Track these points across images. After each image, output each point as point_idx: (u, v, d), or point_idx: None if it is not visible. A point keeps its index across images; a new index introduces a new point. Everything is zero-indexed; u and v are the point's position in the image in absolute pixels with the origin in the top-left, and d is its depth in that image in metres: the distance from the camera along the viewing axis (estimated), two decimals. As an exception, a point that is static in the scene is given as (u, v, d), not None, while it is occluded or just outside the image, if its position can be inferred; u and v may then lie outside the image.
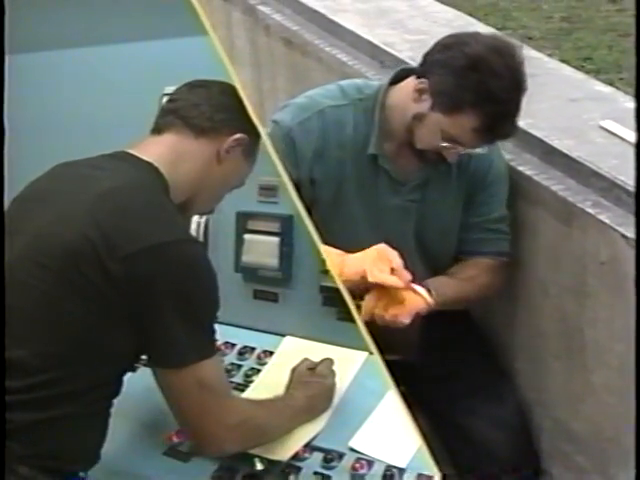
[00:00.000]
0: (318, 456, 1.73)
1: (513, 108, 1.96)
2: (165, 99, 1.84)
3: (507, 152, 2.16)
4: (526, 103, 1.97)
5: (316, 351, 1.91)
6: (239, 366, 2.00)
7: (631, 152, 1.94)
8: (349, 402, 1.83)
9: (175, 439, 1.79)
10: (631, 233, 1.82)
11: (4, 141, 1.69)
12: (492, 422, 2.16)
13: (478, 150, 2.03)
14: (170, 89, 1.84)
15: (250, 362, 2.01)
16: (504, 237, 2.15)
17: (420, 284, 1.96)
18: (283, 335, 2.04)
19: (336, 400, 1.83)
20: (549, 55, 3.10)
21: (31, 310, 1.60)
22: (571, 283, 2.03)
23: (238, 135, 1.75)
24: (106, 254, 1.55)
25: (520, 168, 2.14)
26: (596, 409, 2.03)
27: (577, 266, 2.00)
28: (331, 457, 1.72)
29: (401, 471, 1.68)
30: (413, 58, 2.42)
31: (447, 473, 1.72)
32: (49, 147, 2.16)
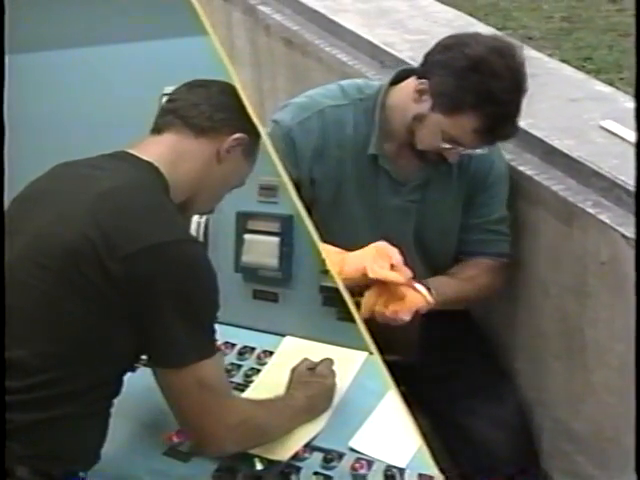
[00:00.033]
0: (318, 456, 1.73)
1: (514, 109, 1.96)
2: (165, 99, 1.84)
3: (508, 152, 2.16)
4: (526, 103, 1.97)
5: (316, 351, 1.91)
6: (239, 366, 2.00)
7: (631, 152, 1.94)
8: (349, 402, 1.83)
9: (175, 439, 1.79)
10: (631, 233, 1.82)
11: (4, 141, 1.69)
12: (492, 422, 2.16)
13: (479, 151, 2.03)
14: (170, 89, 1.83)
15: (250, 362, 2.01)
16: (504, 238, 2.15)
17: (420, 282, 1.96)
18: (283, 335, 2.04)
19: (336, 400, 1.83)
20: (549, 55, 3.10)
21: (31, 310, 1.60)
22: (571, 283, 2.03)
23: (238, 135, 1.75)
24: (106, 254, 1.54)
25: (521, 168, 2.14)
26: (596, 409, 2.03)
27: (577, 266, 2.00)
28: (331, 457, 1.72)
29: (401, 471, 1.68)
30: (413, 58, 2.42)
31: (447, 473, 1.71)
32: (49, 147, 2.16)
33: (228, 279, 2.02)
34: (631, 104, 2.24)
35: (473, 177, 2.13)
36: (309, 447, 1.75)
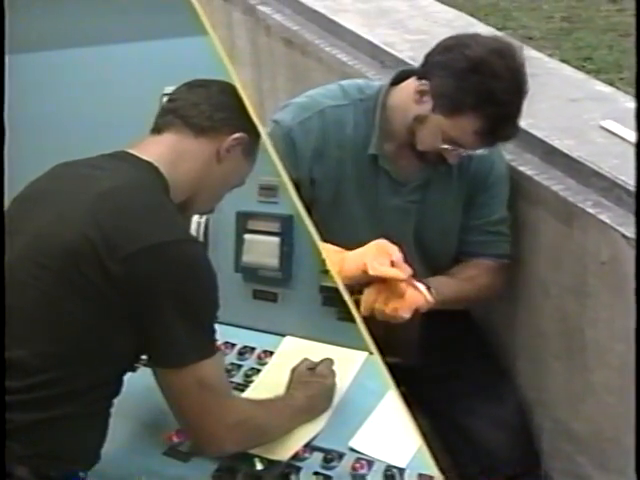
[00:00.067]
0: (318, 456, 1.73)
1: (514, 110, 1.96)
2: (165, 99, 1.84)
3: (508, 152, 2.16)
4: (527, 103, 1.97)
5: (316, 351, 1.91)
6: (239, 366, 2.00)
7: (631, 152, 1.94)
8: (349, 402, 1.83)
9: (175, 439, 1.79)
10: (631, 233, 1.82)
11: (4, 141, 1.69)
12: (492, 422, 2.16)
13: (479, 152, 2.03)
14: (170, 89, 1.83)
15: (250, 362, 2.01)
16: (505, 239, 2.15)
17: (420, 281, 1.96)
18: (283, 335, 2.04)
19: (336, 400, 1.83)
20: (549, 55, 3.10)
21: (31, 310, 1.60)
22: (572, 283, 2.03)
23: (238, 134, 1.75)
24: (106, 254, 1.54)
25: (521, 168, 2.14)
26: (596, 409, 2.03)
27: (578, 266, 2.00)
28: (331, 457, 1.72)
29: (401, 471, 1.68)
30: (413, 58, 2.42)
31: (447, 473, 1.71)
32: (49, 147, 2.16)
33: (228, 279, 2.02)
34: (631, 104, 2.24)
35: (473, 178, 2.13)
36: (309, 447, 1.75)
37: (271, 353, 2.01)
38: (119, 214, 1.59)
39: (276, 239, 2.05)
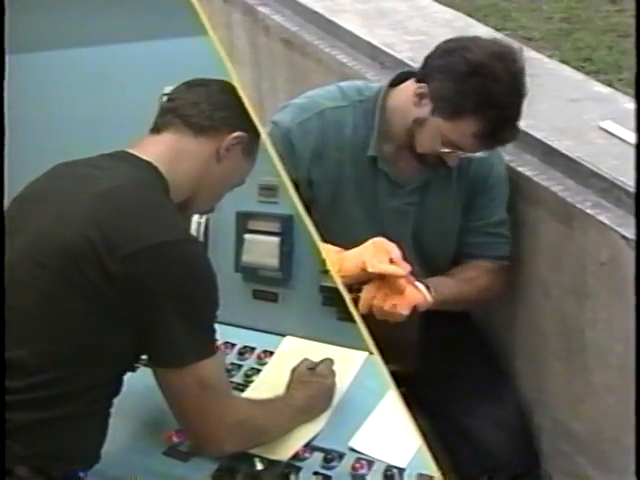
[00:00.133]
0: (318, 456, 1.73)
1: (514, 113, 1.96)
2: (165, 99, 1.84)
3: (507, 153, 2.16)
4: (526, 104, 1.97)
5: (316, 351, 1.91)
6: (239, 366, 2.00)
7: (630, 153, 1.95)
8: (349, 402, 1.83)
9: (175, 439, 1.79)
10: (631, 234, 1.82)
11: (4, 141, 1.69)
12: (492, 422, 2.16)
13: (479, 154, 2.03)
14: (170, 89, 1.83)
15: (250, 362, 2.01)
16: (504, 241, 2.15)
17: (420, 281, 1.96)
18: (283, 335, 2.05)
19: (336, 400, 1.83)
20: (549, 56, 3.10)
21: (31, 310, 1.59)
22: (571, 284, 2.03)
23: (237, 133, 1.74)
24: (106, 254, 1.54)
25: (520, 169, 2.14)
26: (596, 409, 2.03)
27: (577, 267, 2.00)
28: (331, 457, 1.72)
29: (401, 471, 1.68)
30: (413, 59, 2.42)
31: (447, 474, 1.71)
32: (49, 147, 2.16)
33: (228, 279, 2.02)
34: (630, 105, 2.25)
35: (473, 180, 2.13)
36: (309, 447, 1.75)
37: (271, 353, 2.01)
38: (119, 214, 1.59)
39: (276, 239, 2.05)
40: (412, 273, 1.93)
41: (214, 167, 1.75)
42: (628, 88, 2.96)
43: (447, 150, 1.99)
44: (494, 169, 2.13)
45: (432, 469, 1.64)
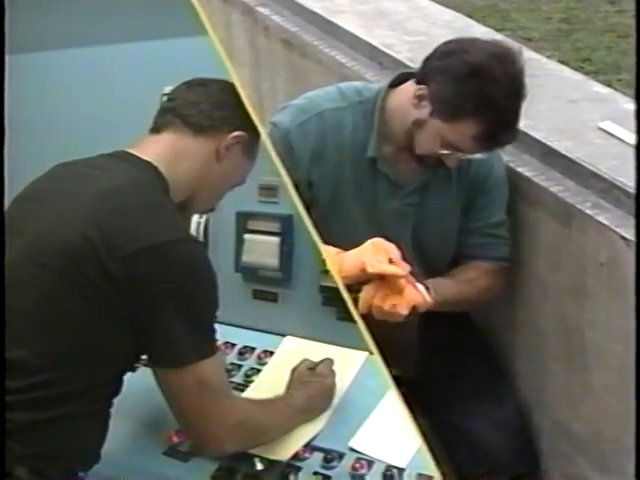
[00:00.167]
0: (318, 456, 1.73)
1: (513, 116, 1.96)
2: (165, 98, 1.84)
3: (506, 153, 2.16)
4: (525, 104, 1.97)
5: (316, 351, 1.91)
6: (239, 366, 2.00)
7: (630, 153, 1.95)
8: (349, 402, 1.84)
9: (175, 439, 1.79)
10: (630, 234, 1.82)
11: (4, 141, 1.69)
12: (492, 423, 2.16)
13: (478, 156, 2.03)
14: (170, 89, 1.83)
15: (250, 362, 2.01)
16: (504, 242, 2.15)
17: (419, 282, 1.96)
18: (283, 335, 2.05)
19: (336, 400, 1.83)
20: (548, 56, 3.11)
21: (31, 310, 1.59)
22: (570, 284, 2.03)
23: (237, 132, 1.74)
24: (106, 254, 1.54)
25: (519, 169, 2.14)
26: (596, 410, 2.03)
27: (576, 267, 2.00)
28: (331, 457, 1.72)
29: (401, 471, 1.68)
30: (412, 59, 2.42)
31: (447, 474, 1.71)
32: (49, 147, 2.16)
33: (228, 279, 2.02)
34: (629, 105, 2.25)
35: (472, 181, 2.13)
36: (309, 447, 1.75)
37: (271, 353, 2.02)
38: (119, 214, 1.59)
39: (276, 239, 2.05)
40: (412, 273, 1.93)
41: (214, 167, 1.75)
42: (627, 88, 2.98)
43: (446, 152, 1.99)
44: (493, 170, 2.13)
45: (432, 469, 1.64)
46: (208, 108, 1.74)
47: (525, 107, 1.97)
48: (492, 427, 2.15)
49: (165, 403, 1.65)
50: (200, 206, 1.83)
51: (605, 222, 1.90)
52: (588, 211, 1.95)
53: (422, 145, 2.02)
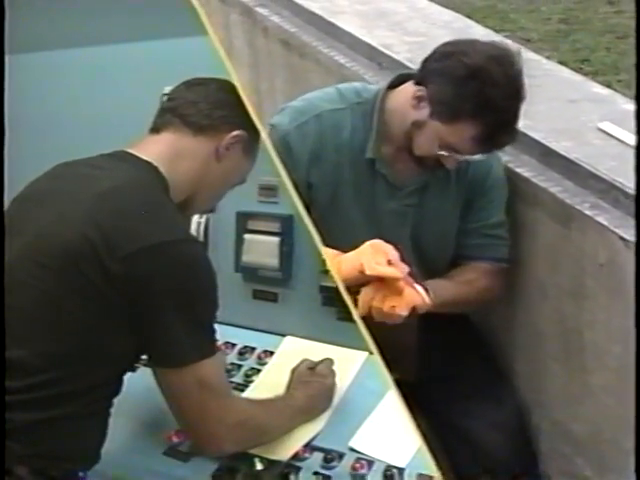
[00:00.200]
0: (318, 456, 1.74)
1: (512, 117, 1.96)
2: (164, 98, 1.84)
3: (505, 154, 2.16)
4: (524, 105, 1.97)
5: (316, 351, 1.92)
6: (239, 366, 2.00)
7: (629, 154, 1.95)
8: (349, 402, 1.84)
9: (175, 439, 1.79)
10: (629, 235, 1.82)
11: (4, 141, 1.69)
12: (491, 424, 2.16)
13: (477, 157, 2.03)
14: (170, 89, 1.84)
15: (250, 362, 2.01)
16: (503, 243, 2.15)
17: (418, 283, 1.96)
18: (283, 335, 2.05)
19: (336, 400, 1.83)
20: (547, 57, 3.10)
21: (31, 310, 1.60)
22: (569, 285, 2.03)
23: (237, 132, 1.74)
24: (106, 254, 1.55)
25: (518, 170, 2.14)
26: (595, 411, 2.03)
27: (575, 268, 2.00)
28: (331, 457, 1.73)
29: (401, 471, 1.69)
30: (411, 60, 2.42)
31: (446, 475, 1.72)
32: (49, 147, 2.16)
33: (228, 279, 2.02)
34: (629, 106, 2.25)
35: (471, 182, 2.13)
36: (309, 447, 1.75)
37: (271, 353, 2.02)
38: (119, 214, 1.59)
39: (276, 239, 2.05)
40: (410, 274, 1.93)
41: (214, 166, 1.75)
42: (627, 89, 2.98)
43: (445, 153, 1.99)
44: (492, 171, 2.13)
45: (432, 469, 1.64)
46: (207, 107, 1.74)
47: (524, 107, 1.97)
48: (491, 427, 2.15)
49: (165, 403, 1.65)
50: (200, 206, 1.83)
51: (604, 223, 1.90)
52: (587, 212, 1.95)
53: (421, 146, 2.02)
